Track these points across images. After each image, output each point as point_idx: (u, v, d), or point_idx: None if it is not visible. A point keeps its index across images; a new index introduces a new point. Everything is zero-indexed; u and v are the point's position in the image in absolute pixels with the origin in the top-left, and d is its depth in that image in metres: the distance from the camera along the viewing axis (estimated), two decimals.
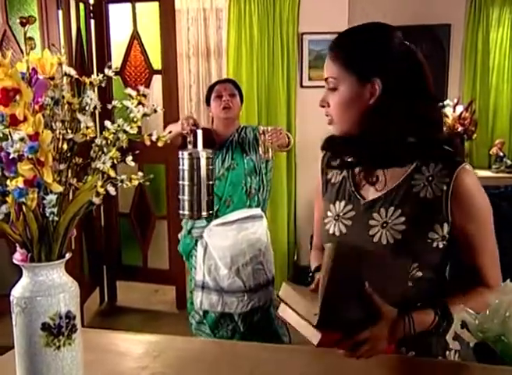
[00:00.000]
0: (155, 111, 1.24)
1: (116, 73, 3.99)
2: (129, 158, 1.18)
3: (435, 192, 1.24)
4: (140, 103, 1.19)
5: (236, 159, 2.82)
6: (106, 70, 1.16)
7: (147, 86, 4.00)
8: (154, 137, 1.20)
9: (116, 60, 4.02)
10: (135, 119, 1.22)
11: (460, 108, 4.37)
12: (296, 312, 1.20)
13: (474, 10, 4.48)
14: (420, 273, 1.25)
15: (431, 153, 1.27)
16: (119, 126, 1.20)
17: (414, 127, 1.26)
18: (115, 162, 1.15)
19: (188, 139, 2.57)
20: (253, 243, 2.85)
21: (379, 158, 1.28)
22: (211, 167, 2.49)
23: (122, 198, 4.21)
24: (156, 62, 3.94)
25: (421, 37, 4.67)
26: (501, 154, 4.48)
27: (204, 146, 2.45)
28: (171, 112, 3.85)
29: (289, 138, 2.76)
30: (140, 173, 1.24)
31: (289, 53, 4.15)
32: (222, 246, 2.83)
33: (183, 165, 2.45)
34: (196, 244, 2.92)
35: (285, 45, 4.13)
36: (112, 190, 1.18)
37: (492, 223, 1.28)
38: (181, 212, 2.52)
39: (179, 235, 3.03)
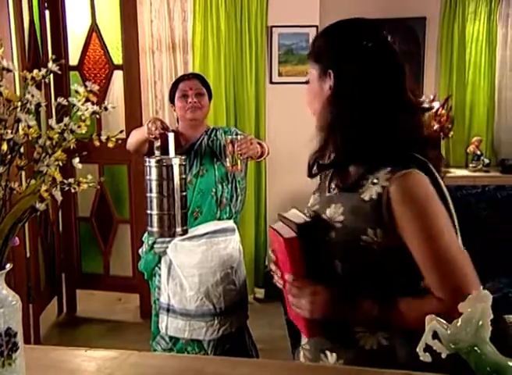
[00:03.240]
0: (106, 109, 1.20)
1: (74, 69, 3.93)
2: (75, 161, 1.14)
3: (373, 195, 1.26)
4: (87, 100, 1.15)
5: (205, 165, 2.64)
6: (50, 64, 1.12)
7: (108, 82, 3.96)
8: (103, 138, 1.15)
9: (74, 54, 3.96)
10: (83, 118, 1.17)
11: (436, 105, 4.41)
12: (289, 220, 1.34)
13: (449, 3, 4.51)
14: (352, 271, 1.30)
15: (384, 155, 1.28)
16: (65, 125, 1.16)
17: (369, 127, 1.28)
18: (61, 164, 1.11)
19: (156, 144, 2.42)
20: (224, 260, 2.68)
21: (337, 153, 1.33)
22: (183, 176, 2.35)
23: (81, 201, 4.14)
24: (117, 57, 3.90)
25: (394, 30, 4.65)
26: (478, 152, 4.53)
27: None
28: (133, 111, 3.83)
29: (262, 147, 2.64)
30: (90, 176, 1.20)
31: (257, 47, 4.14)
32: (189, 264, 2.65)
33: (150, 174, 2.30)
34: (159, 262, 2.74)
35: (253, 39, 4.11)
36: (57, 195, 1.14)
37: (441, 232, 1.23)
38: (150, 228, 2.36)
39: (140, 251, 2.85)
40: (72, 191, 1.17)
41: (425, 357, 1.05)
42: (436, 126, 4.37)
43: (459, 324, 1.03)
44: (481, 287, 1.12)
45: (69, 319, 4.11)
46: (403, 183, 1.23)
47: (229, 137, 2.52)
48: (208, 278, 2.65)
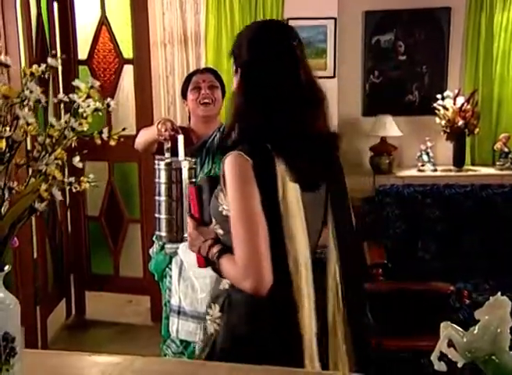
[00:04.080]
0: (108, 106, 1.21)
1: (83, 63, 3.95)
2: (75, 159, 1.14)
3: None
4: (89, 97, 1.15)
5: (217, 163, 2.60)
6: (49, 60, 1.12)
7: (117, 77, 3.98)
8: (104, 135, 1.16)
9: (83, 48, 3.98)
10: (84, 115, 1.18)
11: (460, 100, 4.37)
12: None
13: None
14: (220, 231, 1.58)
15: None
16: (66, 122, 1.16)
17: (259, 118, 1.52)
18: (60, 163, 1.11)
19: (165, 146, 2.42)
20: None
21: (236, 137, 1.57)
22: (193, 179, 2.34)
23: (90, 200, 4.16)
24: (127, 51, 3.89)
25: (419, 21, 4.67)
26: (506, 149, 4.47)
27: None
28: (144, 107, 3.83)
29: None
30: (92, 175, 1.21)
31: None
32: None
33: (159, 177, 2.31)
34: (170, 262, 2.73)
35: None
36: (57, 194, 1.14)
37: (236, 208, 1.46)
38: (158, 233, 2.39)
39: (151, 251, 2.87)
40: (74, 190, 1.17)
41: (440, 366, 1.04)
42: (461, 123, 4.33)
43: (476, 332, 1.02)
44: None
45: (78, 321, 4.14)
46: (224, 161, 1.49)
47: None
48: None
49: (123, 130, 1.20)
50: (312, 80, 1.56)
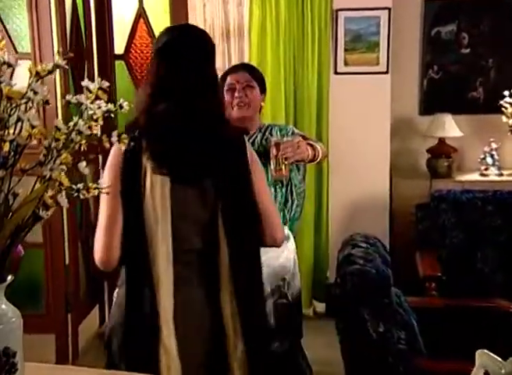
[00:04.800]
0: (121, 107, 1.21)
1: (119, 58, 4.01)
2: (82, 165, 1.14)
3: None
4: (97, 98, 1.15)
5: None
6: (56, 58, 1.13)
7: None
8: (114, 139, 1.16)
9: (120, 42, 4.02)
10: (95, 117, 1.18)
11: None
12: None
13: None
14: None
15: None
16: (75, 125, 1.17)
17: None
18: (65, 168, 1.12)
19: None
20: (275, 271, 2.65)
21: None
22: None
23: None
24: None
25: (485, 10, 4.56)
26: None
27: None
28: None
29: (314, 150, 2.63)
30: (101, 181, 1.21)
31: (321, 33, 4.07)
32: None
33: None
34: None
35: (316, 24, 4.04)
36: (63, 201, 1.15)
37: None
38: None
39: None
40: (81, 197, 1.18)
41: None
42: None
43: None
44: None
45: None
46: None
47: (274, 138, 2.54)
48: None
49: (131, 132, 1.20)
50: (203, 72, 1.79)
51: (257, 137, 2.72)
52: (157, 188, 1.67)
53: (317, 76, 4.12)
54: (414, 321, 2.50)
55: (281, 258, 2.71)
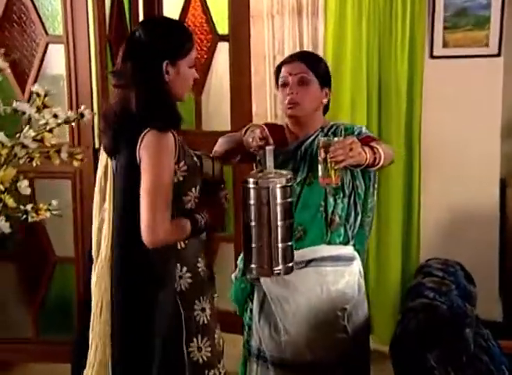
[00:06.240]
0: (82, 116, 1.10)
1: None
2: (24, 183, 1.05)
3: None
4: (45, 106, 1.03)
5: (315, 171, 2.55)
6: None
7: (210, 57, 4.06)
8: (63, 155, 1.04)
9: None
10: (48, 128, 1.07)
11: None
12: None
13: None
14: None
15: None
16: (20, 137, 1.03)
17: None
18: (2, 187, 1.01)
19: (257, 158, 2.59)
20: (333, 298, 2.65)
21: None
22: (289, 200, 2.34)
23: None
24: (222, 25, 3.96)
25: None
26: None
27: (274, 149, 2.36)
28: (241, 94, 3.89)
29: (375, 154, 2.49)
30: (54, 202, 1.15)
31: (413, 8, 3.97)
32: (286, 299, 2.65)
33: (247, 198, 2.33)
34: (252, 293, 2.78)
35: None
36: (4, 226, 1.08)
37: (146, 182, 2.05)
38: (251, 265, 2.41)
39: (233, 276, 2.89)
40: (30, 219, 1.21)
41: None
42: None
43: None
44: None
45: None
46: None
47: (322, 139, 2.44)
48: (309, 320, 2.66)
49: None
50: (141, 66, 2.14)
51: (318, 136, 2.65)
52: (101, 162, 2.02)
53: (407, 62, 4.04)
54: (507, 371, 2.36)
55: (340, 283, 2.68)
